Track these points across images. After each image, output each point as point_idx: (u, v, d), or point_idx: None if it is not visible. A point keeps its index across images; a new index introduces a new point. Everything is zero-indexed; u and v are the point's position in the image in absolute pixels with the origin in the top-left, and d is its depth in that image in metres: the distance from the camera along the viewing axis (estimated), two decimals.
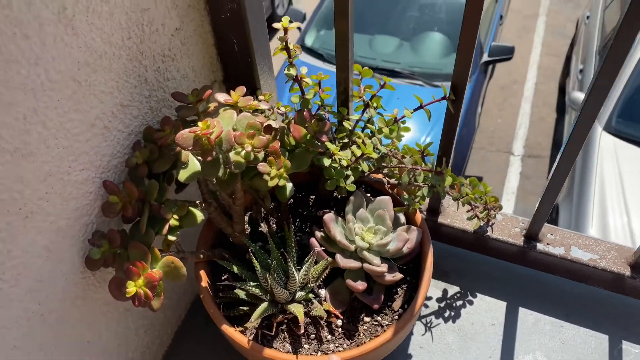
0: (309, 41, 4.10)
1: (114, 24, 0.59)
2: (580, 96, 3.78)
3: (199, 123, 0.59)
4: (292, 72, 0.69)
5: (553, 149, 4.64)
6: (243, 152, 0.60)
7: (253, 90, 0.83)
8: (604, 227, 3.08)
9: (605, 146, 3.53)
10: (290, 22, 0.67)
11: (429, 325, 0.87)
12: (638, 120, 3.57)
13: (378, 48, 4.27)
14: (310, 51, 4.05)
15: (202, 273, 0.72)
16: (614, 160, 3.44)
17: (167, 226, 0.64)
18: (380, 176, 0.80)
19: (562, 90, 4.88)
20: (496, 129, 4.80)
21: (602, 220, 3.17)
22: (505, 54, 4.40)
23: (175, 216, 0.65)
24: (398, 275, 0.71)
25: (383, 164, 0.78)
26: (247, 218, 0.83)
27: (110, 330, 0.72)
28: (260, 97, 0.80)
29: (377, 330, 0.70)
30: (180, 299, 0.89)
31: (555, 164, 0.75)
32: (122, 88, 0.63)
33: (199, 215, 0.66)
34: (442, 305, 0.90)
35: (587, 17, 4.63)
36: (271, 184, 0.64)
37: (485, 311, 0.89)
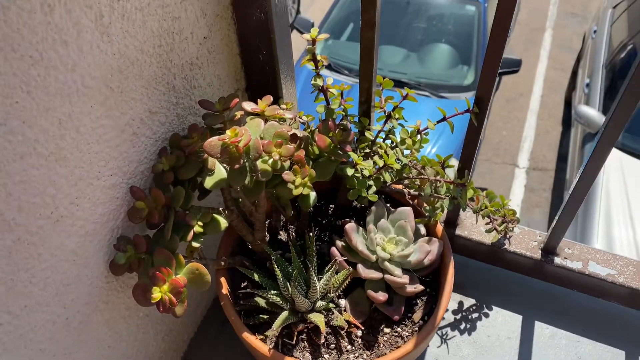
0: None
1: (146, 31, 0.59)
2: (586, 110, 3.79)
3: (227, 131, 0.60)
4: (319, 82, 0.69)
5: (558, 161, 4.64)
6: (271, 161, 0.60)
7: (275, 99, 0.84)
8: (609, 241, 3.08)
9: (612, 160, 3.53)
10: (318, 33, 0.68)
11: (444, 337, 0.87)
12: None
13: (385, 58, 4.29)
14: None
15: (223, 280, 0.73)
16: (620, 174, 3.44)
17: (191, 232, 0.64)
18: (400, 187, 0.80)
19: (567, 104, 4.89)
20: (501, 141, 4.81)
21: (608, 233, 3.16)
22: (512, 66, 4.42)
23: (200, 223, 0.65)
24: (419, 287, 0.71)
25: (404, 175, 0.78)
26: (267, 226, 0.83)
27: (130, 335, 0.72)
28: (283, 106, 0.80)
29: (397, 342, 0.70)
30: (197, 306, 0.89)
31: (575, 179, 0.75)
32: (152, 95, 0.63)
33: (223, 222, 0.67)
34: (457, 317, 0.90)
35: (594, 32, 4.65)
36: (295, 192, 0.65)
37: (501, 324, 0.89)
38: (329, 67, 4.21)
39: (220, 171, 0.64)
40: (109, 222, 0.62)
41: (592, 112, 3.79)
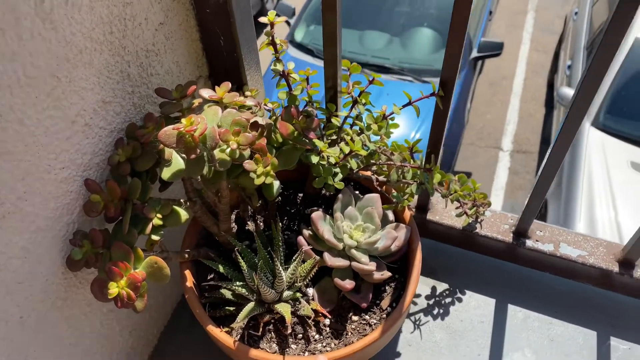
0: (298, 36, 4.08)
1: (95, 18, 0.57)
2: (568, 92, 3.80)
3: (183, 120, 0.58)
4: (279, 67, 0.68)
5: (542, 144, 4.66)
6: (228, 150, 0.59)
7: (240, 86, 0.82)
8: (591, 222, 3.11)
9: (593, 142, 3.56)
10: (278, 16, 0.66)
11: (417, 323, 0.87)
12: (625, 116, 3.60)
13: (368, 44, 4.26)
14: (300, 46, 4.03)
15: (187, 273, 0.71)
16: (602, 156, 3.47)
17: (150, 225, 0.62)
18: (369, 173, 0.79)
19: (550, 86, 4.90)
20: (485, 124, 4.82)
21: (590, 214, 3.19)
22: (495, 49, 4.41)
23: (159, 215, 0.63)
24: (387, 274, 0.70)
25: (372, 161, 0.77)
26: (233, 217, 0.82)
27: (93, 331, 0.71)
28: (247, 93, 0.79)
29: (365, 329, 0.69)
30: (166, 299, 0.88)
31: (544, 162, 0.74)
32: (104, 84, 0.61)
33: (183, 215, 0.65)
34: (430, 302, 0.89)
35: (575, 14, 4.65)
36: (257, 182, 0.63)
37: (474, 308, 0.88)
38: (311, 52, 4.18)
39: (177, 161, 0.63)
40: (64, 216, 0.60)
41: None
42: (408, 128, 3.84)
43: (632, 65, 3.62)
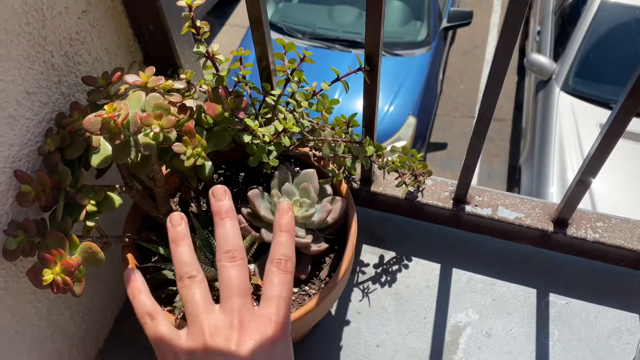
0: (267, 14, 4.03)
1: (7, 9, 0.57)
2: (538, 58, 3.83)
3: (105, 106, 0.59)
4: (202, 49, 0.68)
5: (515, 111, 4.70)
6: (151, 134, 0.60)
7: (175, 69, 0.83)
8: (564, 185, 3.17)
9: (563, 106, 3.60)
10: None
11: (366, 291, 0.90)
12: (594, 79, 3.64)
13: (338, 19, 4.23)
14: (271, 25, 4.00)
15: (130, 256, 0.73)
16: (572, 119, 3.52)
17: (84, 212, 0.64)
18: (306, 150, 0.80)
19: (522, 53, 4.93)
20: (459, 94, 4.84)
21: (562, 178, 3.25)
22: (464, 18, 4.42)
23: (93, 202, 0.65)
24: (323, 245, 0.72)
25: (309, 137, 0.78)
26: (177, 199, 0.83)
27: (41, 318, 0.72)
28: (182, 76, 0.79)
29: (304, 300, 0.72)
30: (118, 283, 0.89)
31: (473, 128, 0.77)
32: (26, 75, 0.62)
33: (117, 200, 0.66)
34: (378, 271, 0.92)
35: None
36: (187, 163, 0.65)
37: (421, 274, 0.91)
38: (280, 30, 4.15)
39: (106, 148, 0.64)
40: None
41: (543, 60, 3.84)
42: (382, 101, 3.83)
43: (599, 28, 3.65)
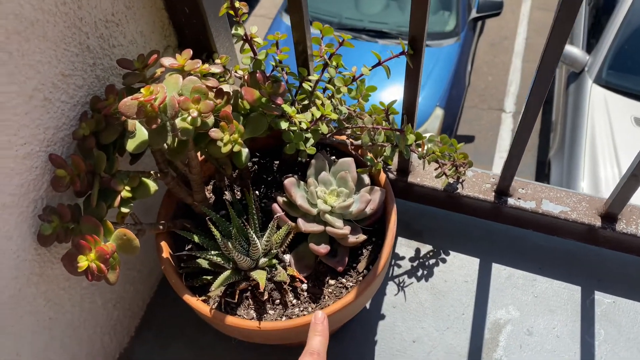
0: None
1: None
2: (570, 50, 3.72)
3: (142, 89, 0.57)
4: (240, 31, 0.66)
5: (545, 104, 4.59)
6: (189, 118, 0.58)
7: (210, 54, 0.81)
8: (595, 180, 3.08)
9: (596, 99, 3.49)
10: None
11: (401, 285, 0.87)
12: (628, 71, 3.52)
13: (364, 9, 4.17)
14: None
15: (164, 244, 0.71)
16: (605, 113, 3.41)
17: (118, 198, 0.62)
18: (343, 138, 0.78)
19: None
20: (487, 86, 4.75)
21: (594, 172, 3.16)
22: (494, 9, 4.31)
23: (127, 188, 0.63)
24: (361, 237, 0.70)
25: (347, 125, 0.76)
26: (211, 187, 0.82)
27: (74, 305, 0.71)
28: (217, 61, 0.77)
29: (341, 292, 0.69)
30: (151, 271, 0.88)
31: (520, 117, 0.73)
32: (62, 57, 0.60)
33: (152, 186, 0.65)
34: (414, 264, 0.89)
35: None
36: (224, 150, 0.63)
37: (458, 268, 0.88)
38: None
39: (142, 133, 0.62)
40: (30, 192, 0.60)
41: (576, 51, 3.73)
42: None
43: (635, 19, 3.52)
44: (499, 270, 0.87)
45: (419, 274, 0.88)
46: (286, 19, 3.80)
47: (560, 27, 0.57)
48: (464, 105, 4.44)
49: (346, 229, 0.69)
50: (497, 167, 4.07)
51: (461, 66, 4.10)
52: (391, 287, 0.87)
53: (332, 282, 0.71)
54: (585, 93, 3.61)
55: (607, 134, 3.32)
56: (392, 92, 3.14)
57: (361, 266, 0.71)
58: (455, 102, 3.98)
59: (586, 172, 3.23)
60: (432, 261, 0.89)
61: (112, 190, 0.63)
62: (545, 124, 4.43)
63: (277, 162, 0.83)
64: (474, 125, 4.45)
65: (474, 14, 4.31)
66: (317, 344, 0.60)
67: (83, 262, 0.58)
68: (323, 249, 0.69)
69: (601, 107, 3.48)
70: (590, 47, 3.80)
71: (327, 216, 0.69)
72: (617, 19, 3.59)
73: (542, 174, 4.08)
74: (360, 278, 0.70)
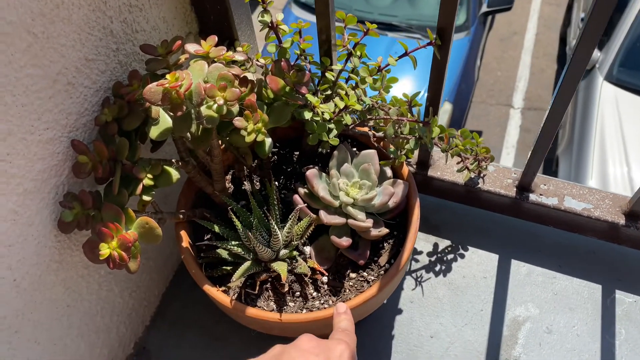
0: None
1: None
2: None
3: (167, 75, 0.56)
4: (267, 18, 0.65)
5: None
6: (215, 106, 0.57)
7: (231, 42, 0.79)
8: (603, 178, 3.06)
9: (606, 96, 3.46)
10: None
11: (419, 279, 0.86)
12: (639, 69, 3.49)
13: (374, 1, 4.14)
14: (304, 6, 3.93)
15: (183, 233, 0.70)
16: (615, 110, 3.38)
17: (140, 186, 0.61)
18: (366, 129, 0.76)
19: (563, 41, 4.76)
20: (496, 81, 4.72)
21: (602, 170, 3.14)
22: (505, 4, 4.28)
23: (150, 175, 0.62)
24: (384, 230, 0.69)
25: (369, 117, 0.74)
26: (230, 177, 0.81)
27: (92, 293, 0.71)
28: (239, 49, 0.76)
29: (362, 286, 0.68)
30: (166, 261, 0.88)
31: (546, 112, 0.72)
32: (86, 41, 0.59)
33: (174, 174, 0.64)
34: (432, 259, 0.88)
35: None
36: (248, 139, 0.61)
37: (477, 264, 0.87)
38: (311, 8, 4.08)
39: (165, 120, 0.61)
40: (51, 178, 0.59)
41: None
42: (417, 87, 3.76)
43: None
44: (518, 267, 0.86)
45: (437, 269, 0.87)
46: (295, 10, 3.77)
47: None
48: (472, 100, 4.41)
49: (369, 222, 0.68)
50: (504, 163, 4.05)
51: (470, 61, 4.07)
52: (409, 282, 0.86)
53: (353, 275, 0.70)
54: (595, 90, 3.58)
55: (617, 131, 3.29)
56: (399, 87, 3.12)
57: (382, 260, 0.70)
58: (464, 96, 3.95)
59: (595, 170, 3.21)
60: (450, 256, 0.88)
61: (134, 177, 0.62)
62: None
63: (296, 153, 0.81)
64: (482, 120, 4.42)
65: (484, 8, 4.27)
66: (345, 323, 0.58)
67: (105, 250, 0.57)
68: (345, 241, 0.68)
69: (611, 104, 3.45)
70: (601, 44, 3.76)
71: (350, 208, 0.68)
72: (629, 16, 3.56)
73: (550, 170, 4.05)
74: (382, 272, 0.69)
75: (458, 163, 0.79)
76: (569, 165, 3.44)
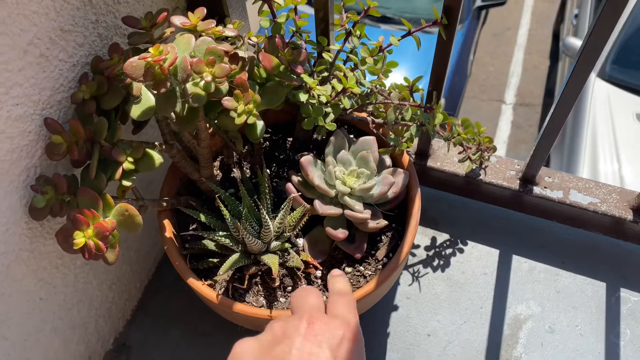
0: None
1: None
2: (575, 42, 3.66)
3: (150, 49, 0.51)
4: None
5: (545, 97, 4.55)
6: (202, 83, 0.52)
7: (221, 18, 0.74)
8: (594, 174, 3.05)
9: (598, 93, 3.45)
10: None
11: (416, 274, 0.82)
12: (632, 67, 3.48)
13: None
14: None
15: (167, 222, 0.66)
16: (607, 107, 3.38)
17: (120, 170, 0.56)
18: (364, 114, 0.72)
19: (556, 37, 4.75)
20: (488, 77, 4.69)
21: (593, 167, 3.13)
22: None
23: (130, 159, 0.57)
24: (382, 222, 0.64)
25: (367, 101, 0.70)
26: (218, 163, 0.76)
27: (67, 285, 0.66)
28: (229, 26, 0.71)
29: (359, 281, 0.64)
30: (149, 251, 0.83)
31: (553, 105, 0.68)
32: (61, 10, 0.54)
33: (157, 158, 0.59)
34: (430, 253, 0.84)
35: None
36: (238, 121, 0.57)
37: (477, 259, 0.83)
38: (308, 2, 4.02)
39: (148, 98, 0.56)
40: (22, 159, 0.54)
41: (580, 44, 3.67)
42: (414, 75, 3.69)
43: None
44: (519, 263, 0.83)
45: (435, 264, 0.83)
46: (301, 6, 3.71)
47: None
48: (464, 95, 4.39)
49: (366, 213, 0.63)
50: None
51: (463, 55, 4.04)
52: (405, 277, 0.82)
53: (349, 269, 0.66)
54: (587, 87, 3.57)
55: (609, 128, 3.28)
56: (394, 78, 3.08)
57: (380, 254, 0.66)
58: (457, 91, 3.92)
59: (586, 167, 3.20)
60: (448, 251, 0.84)
61: (113, 160, 0.57)
62: (545, 117, 4.38)
63: (290, 139, 0.77)
64: (474, 115, 4.39)
65: (478, 2, 4.24)
66: (340, 285, 0.53)
67: (80, 238, 0.52)
68: (341, 233, 0.63)
69: (603, 101, 3.44)
70: None
71: (346, 198, 0.64)
72: (623, 13, 3.54)
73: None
74: (380, 267, 0.65)
75: (460, 153, 0.75)
76: (559, 163, 3.43)
